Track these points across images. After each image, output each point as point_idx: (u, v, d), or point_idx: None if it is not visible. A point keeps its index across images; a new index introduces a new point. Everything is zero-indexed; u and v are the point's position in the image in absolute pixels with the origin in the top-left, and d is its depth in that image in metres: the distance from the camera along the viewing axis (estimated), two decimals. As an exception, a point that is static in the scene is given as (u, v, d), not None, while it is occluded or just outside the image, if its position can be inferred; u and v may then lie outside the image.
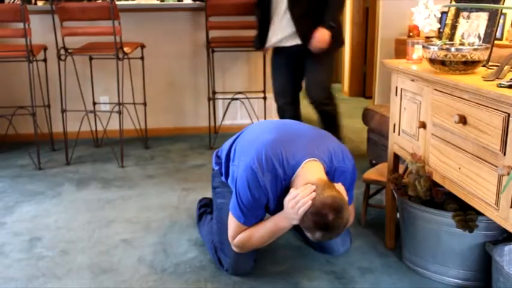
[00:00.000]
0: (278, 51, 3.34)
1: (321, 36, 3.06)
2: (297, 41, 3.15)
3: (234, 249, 2.09)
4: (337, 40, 3.19)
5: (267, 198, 1.97)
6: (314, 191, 1.85)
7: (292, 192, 1.89)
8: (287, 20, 3.14)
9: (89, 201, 2.95)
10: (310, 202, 1.83)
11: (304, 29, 3.11)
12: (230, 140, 2.32)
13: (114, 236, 2.48)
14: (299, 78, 3.38)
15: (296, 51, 3.20)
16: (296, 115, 3.41)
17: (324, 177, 1.95)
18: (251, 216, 2.02)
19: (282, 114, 3.44)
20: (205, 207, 2.58)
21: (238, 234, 2.05)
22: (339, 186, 1.95)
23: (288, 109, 3.40)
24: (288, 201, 1.89)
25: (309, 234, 1.88)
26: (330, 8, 3.09)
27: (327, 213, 1.80)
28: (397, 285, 2.08)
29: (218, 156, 2.40)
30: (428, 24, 2.05)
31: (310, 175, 1.93)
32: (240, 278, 2.13)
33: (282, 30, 3.17)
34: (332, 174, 2.02)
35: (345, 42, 3.59)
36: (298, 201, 1.85)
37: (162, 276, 2.14)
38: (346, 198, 1.93)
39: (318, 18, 3.08)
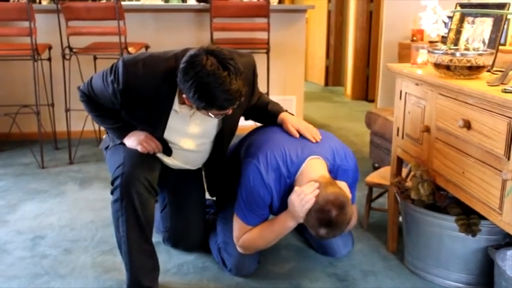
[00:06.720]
0: None
1: None
2: None
3: (239, 250, 2.10)
4: None
5: (271, 197, 1.99)
6: (317, 188, 1.87)
7: (297, 190, 1.91)
8: None
9: (92, 201, 2.96)
10: (313, 199, 1.85)
11: None
12: (234, 145, 2.33)
13: (117, 236, 2.49)
14: None
15: None
16: None
17: (327, 174, 1.97)
18: (255, 215, 2.03)
19: None
20: (209, 208, 2.58)
21: (243, 235, 2.06)
22: (342, 184, 1.97)
23: None
24: (293, 199, 1.91)
25: (313, 232, 1.89)
26: None
27: (330, 210, 1.82)
28: (399, 288, 2.09)
29: None
30: (436, 29, 2.06)
31: (313, 172, 1.94)
32: (243, 278, 2.13)
33: None
34: (335, 173, 2.04)
35: None
36: (302, 199, 1.87)
37: (165, 276, 2.15)
38: (349, 195, 1.94)
39: None
